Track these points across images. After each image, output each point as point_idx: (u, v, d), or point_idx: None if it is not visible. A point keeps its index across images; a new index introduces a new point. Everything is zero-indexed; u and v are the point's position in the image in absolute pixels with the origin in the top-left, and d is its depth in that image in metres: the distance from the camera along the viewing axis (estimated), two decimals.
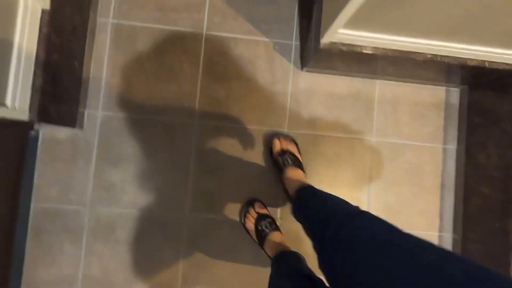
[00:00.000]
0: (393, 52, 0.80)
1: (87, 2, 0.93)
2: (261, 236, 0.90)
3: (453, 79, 1.01)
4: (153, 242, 0.97)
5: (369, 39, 0.77)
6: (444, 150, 1.06)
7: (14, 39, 0.68)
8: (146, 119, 0.98)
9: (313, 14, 0.94)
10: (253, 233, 0.93)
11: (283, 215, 1.00)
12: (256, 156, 1.00)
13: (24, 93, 0.72)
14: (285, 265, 0.74)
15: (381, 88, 1.05)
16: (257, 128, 1.01)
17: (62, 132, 0.96)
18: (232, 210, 0.99)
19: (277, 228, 0.92)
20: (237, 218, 0.99)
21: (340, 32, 0.75)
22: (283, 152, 0.93)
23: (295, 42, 1.03)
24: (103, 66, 0.98)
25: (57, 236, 0.95)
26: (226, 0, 1.02)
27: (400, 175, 1.05)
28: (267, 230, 0.89)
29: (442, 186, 1.05)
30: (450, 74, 0.97)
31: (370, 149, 1.04)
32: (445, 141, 1.07)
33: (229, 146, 1.00)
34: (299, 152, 0.98)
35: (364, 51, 0.80)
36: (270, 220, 0.92)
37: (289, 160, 0.91)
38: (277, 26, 1.03)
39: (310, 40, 0.96)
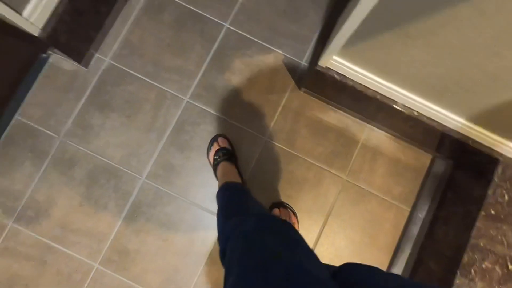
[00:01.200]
0: (381, 96, 0.82)
1: None
2: (214, 166, 0.95)
3: (442, 150, 1.01)
4: (103, 191, 1.00)
5: (361, 75, 0.79)
6: (411, 215, 1.04)
7: None
8: (144, 80, 1.04)
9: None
10: (212, 164, 0.98)
11: None
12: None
13: (44, 12, 0.79)
14: (226, 197, 0.77)
15: (369, 133, 1.06)
16: (238, 126, 1.04)
17: (68, 64, 1.03)
18: (187, 190, 1.01)
19: (229, 159, 0.95)
20: (187, 199, 1.00)
21: (336, 60, 0.79)
22: None
23: (303, 63, 1.08)
24: (127, 22, 1.06)
25: (23, 152, 1.00)
26: (256, 4, 1.09)
27: (359, 222, 1.03)
28: (219, 160, 0.94)
29: (397, 248, 1.02)
30: (439, 142, 0.96)
31: (338, 186, 1.04)
32: (414, 207, 1.04)
33: (205, 131, 1.03)
34: (297, 220, 0.99)
35: (355, 86, 0.82)
36: (225, 151, 0.95)
37: None
38: (293, 43, 1.08)
39: (313, 60, 1.00)
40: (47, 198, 0.98)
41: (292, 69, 1.07)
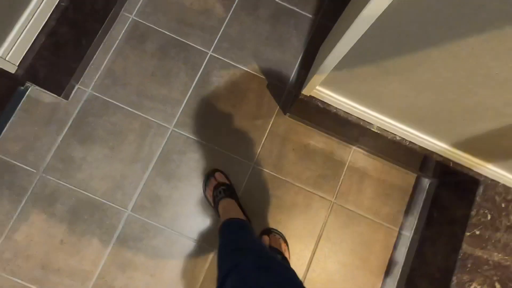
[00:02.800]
0: (364, 122, 0.84)
1: None
2: (215, 202, 0.92)
3: (425, 170, 1.03)
4: (86, 227, 0.96)
5: (344, 104, 0.81)
6: (399, 235, 1.05)
7: (30, 1, 0.75)
8: (127, 110, 1.02)
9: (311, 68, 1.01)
10: (211, 200, 0.95)
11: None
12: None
13: (20, 50, 0.78)
14: (227, 235, 0.75)
15: (355, 155, 1.08)
16: (225, 153, 1.03)
17: (47, 97, 1.00)
18: (174, 221, 0.98)
19: (230, 196, 0.93)
20: (175, 230, 0.98)
21: (318, 89, 0.80)
22: (272, 250, 0.93)
23: (288, 88, 1.09)
24: (109, 52, 1.05)
25: None
26: (240, 31, 1.10)
27: (349, 244, 1.03)
28: (220, 196, 0.91)
29: (387, 271, 1.02)
30: (422, 163, 0.99)
31: (327, 209, 1.04)
32: (402, 227, 1.05)
33: (191, 160, 1.02)
34: (287, 246, 0.98)
35: (338, 113, 0.83)
36: (225, 187, 0.93)
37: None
38: (277, 68, 1.10)
39: (296, 87, 1.01)
40: (26, 237, 0.94)
41: (277, 94, 1.09)
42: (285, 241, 0.99)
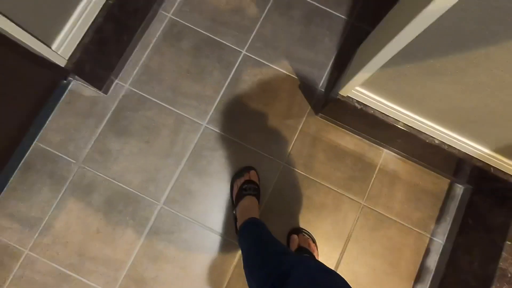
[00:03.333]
0: (403, 125, 0.83)
1: None
2: (241, 194, 0.93)
3: (460, 175, 1.01)
4: (121, 217, 0.99)
5: (382, 105, 0.80)
6: (431, 242, 1.02)
7: None
8: (162, 106, 1.05)
9: (345, 69, 1.00)
10: (236, 190, 0.96)
11: None
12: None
13: (71, 44, 0.81)
14: (247, 234, 0.77)
15: (386, 158, 1.06)
16: (255, 151, 1.04)
17: (88, 90, 1.04)
18: (204, 216, 1.00)
19: (257, 196, 0.94)
20: (205, 225, 0.99)
21: (357, 90, 0.80)
22: (301, 250, 0.93)
23: (320, 89, 1.09)
24: (147, 49, 1.08)
25: (41, 178, 0.99)
26: (273, 31, 1.11)
27: (378, 248, 1.01)
28: (249, 191, 0.93)
29: (418, 277, 1.00)
30: (457, 168, 0.97)
31: (356, 211, 1.03)
32: (434, 233, 1.03)
33: (223, 157, 1.03)
34: (316, 247, 0.98)
35: (376, 115, 0.83)
36: (256, 187, 0.95)
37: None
38: (309, 69, 1.10)
39: (331, 87, 1.01)
40: (65, 225, 0.98)
41: (309, 95, 1.09)
42: (314, 242, 0.98)
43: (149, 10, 1.06)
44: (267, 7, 1.13)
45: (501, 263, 0.78)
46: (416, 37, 0.49)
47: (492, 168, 0.83)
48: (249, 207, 0.92)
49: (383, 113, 0.83)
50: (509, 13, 0.40)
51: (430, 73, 0.60)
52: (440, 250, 1.01)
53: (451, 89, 0.61)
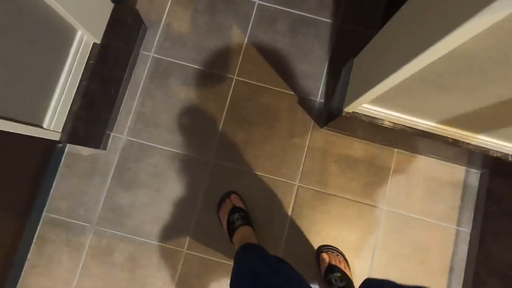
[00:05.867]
0: (412, 130, 0.81)
1: (134, 36, 1.02)
2: (231, 228, 0.91)
3: (474, 162, 1.00)
4: (146, 271, 0.97)
5: (390, 116, 0.78)
6: (457, 232, 1.02)
7: (63, 69, 0.75)
8: (165, 150, 1.02)
9: (340, 76, 0.98)
10: (225, 223, 0.93)
11: None
12: (256, 203, 1.01)
13: (61, 117, 0.78)
14: (251, 252, 0.73)
15: (398, 158, 1.05)
16: (267, 176, 1.02)
17: (86, 149, 1.01)
18: (222, 253, 0.99)
19: (248, 223, 0.92)
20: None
21: (364, 106, 0.78)
22: (332, 268, 0.91)
23: (319, 100, 1.07)
24: (136, 94, 1.04)
25: (59, 248, 0.97)
26: (260, 51, 1.08)
27: (407, 250, 1.01)
28: (238, 223, 0.90)
29: (451, 270, 1.00)
30: (471, 157, 0.95)
31: (378, 217, 1.02)
32: (459, 223, 1.03)
33: (236, 189, 1.01)
34: (347, 262, 0.96)
35: (384, 124, 0.81)
36: (243, 214, 0.92)
37: (337, 279, 0.89)
38: (304, 82, 1.07)
39: (334, 102, 0.99)
40: None
41: (309, 108, 1.06)
42: (343, 256, 0.98)
43: (131, 55, 1.02)
44: (249, 27, 1.09)
45: None
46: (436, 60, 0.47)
47: (510, 157, 0.82)
48: (243, 238, 0.89)
49: (392, 123, 0.81)
50: None
51: (442, 90, 0.57)
52: (468, 240, 1.01)
53: (464, 102, 0.59)
